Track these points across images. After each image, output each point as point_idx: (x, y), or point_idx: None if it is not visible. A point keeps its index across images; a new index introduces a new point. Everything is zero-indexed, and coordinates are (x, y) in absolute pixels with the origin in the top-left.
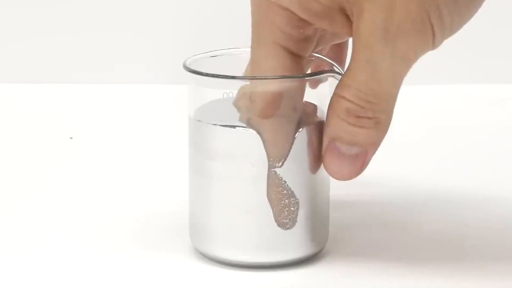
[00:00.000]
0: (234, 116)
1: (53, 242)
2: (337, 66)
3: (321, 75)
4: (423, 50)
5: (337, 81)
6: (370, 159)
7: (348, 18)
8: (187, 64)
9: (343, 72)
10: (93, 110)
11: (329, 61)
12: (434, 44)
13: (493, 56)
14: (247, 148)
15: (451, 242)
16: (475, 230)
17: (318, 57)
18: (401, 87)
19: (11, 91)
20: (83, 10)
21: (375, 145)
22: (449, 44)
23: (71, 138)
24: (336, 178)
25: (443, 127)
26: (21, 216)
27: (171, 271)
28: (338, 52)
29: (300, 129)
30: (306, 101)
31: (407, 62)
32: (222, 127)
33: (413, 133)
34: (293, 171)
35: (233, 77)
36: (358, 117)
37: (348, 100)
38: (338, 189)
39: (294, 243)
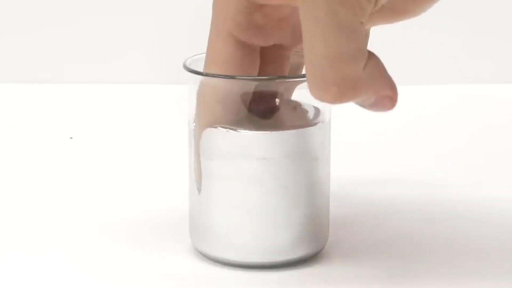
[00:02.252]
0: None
1: (53, 242)
2: None
3: None
4: None
5: None
6: (391, 94)
7: None
8: (187, 64)
9: None
10: (93, 110)
11: None
12: None
13: (493, 56)
14: (247, 147)
15: (451, 242)
16: (476, 230)
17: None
18: (401, 87)
19: (11, 91)
20: (83, 10)
21: (372, 95)
22: (449, 44)
23: (71, 138)
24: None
25: (443, 127)
26: (21, 216)
27: (171, 270)
28: None
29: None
30: (306, 103)
31: (351, 9)
32: (223, 128)
33: (413, 133)
34: (293, 171)
35: (232, 77)
36: (322, 90)
37: (308, 78)
38: (338, 189)
39: (294, 243)
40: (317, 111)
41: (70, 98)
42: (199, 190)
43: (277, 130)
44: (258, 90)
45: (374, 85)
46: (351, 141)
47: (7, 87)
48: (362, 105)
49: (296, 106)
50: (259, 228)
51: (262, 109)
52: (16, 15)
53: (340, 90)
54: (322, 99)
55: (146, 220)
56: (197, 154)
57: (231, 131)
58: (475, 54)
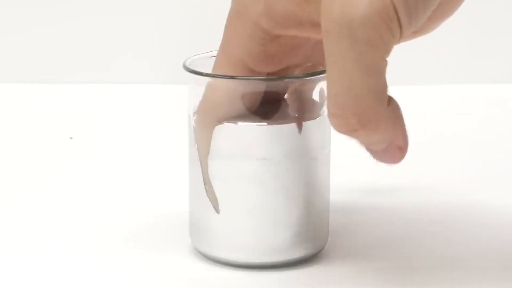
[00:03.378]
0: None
1: (53, 242)
2: None
3: (321, 75)
4: (389, 31)
5: None
6: (404, 145)
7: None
8: (187, 64)
9: None
10: (93, 110)
11: None
12: (401, 25)
13: (493, 56)
14: (247, 147)
15: (451, 243)
16: (476, 231)
17: None
18: (401, 87)
19: (11, 91)
20: (83, 10)
21: (392, 137)
22: (449, 44)
23: (71, 138)
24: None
25: (443, 127)
26: (21, 216)
27: (171, 271)
28: None
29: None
30: (307, 98)
31: (374, 44)
32: (223, 123)
33: (412, 133)
34: (293, 171)
35: (232, 77)
36: (341, 119)
37: (332, 114)
38: (338, 189)
39: (294, 243)
40: (317, 105)
41: (70, 98)
42: (217, 210)
43: (277, 124)
44: (261, 91)
45: (392, 129)
46: (350, 141)
47: (7, 87)
48: (372, 149)
49: (299, 108)
50: (259, 228)
51: (264, 110)
52: (16, 15)
53: (360, 121)
54: (341, 129)
55: (146, 220)
56: (207, 176)
57: (232, 124)
58: (475, 54)
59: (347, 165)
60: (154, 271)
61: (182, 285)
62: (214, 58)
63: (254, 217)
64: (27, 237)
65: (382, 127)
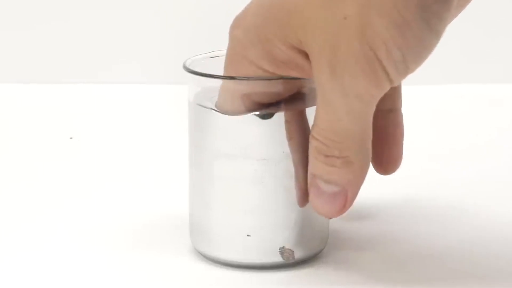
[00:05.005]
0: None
1: (53, 242)
2: None
3: None
4: (378, 87)
5: None
6: (352, 199)
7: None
8: (187, 64)
9: None
10: (93, 110)
11: None
12: (391, 80)
13: (493, 56)
14: (247, 146)
15: (451, 244)
16: (475, 232)
17: None
18: (401, 86)
19: (11, 91)
20: (83, 10)
21: (353, 185)
22: (450, 44)
23: (71, 138)
24: (320, 215)
25: (443, 127)
26: (21, 216)
27: (171, 271)
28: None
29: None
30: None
31: (363, 99)
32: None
33: (412, 133)
34: (293, 171)
35: (232, 78)
36: (326, 156)
37: (315, 138)
38: None
39: (294, 243)
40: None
41: (70, 98)
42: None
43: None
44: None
45: (359, 175)
46: None
47: (7, 87)
48: (321, 187)
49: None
50: (259, 228)
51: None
52: (17, 15)
53: (341, 154)
54: (318, 150)
55: (146, 221)
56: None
57: (232, 124)
58: (475, 54)
59: None
60: (154, 271)
61: (182, 285)
62: (214, 58)
63: (254, 217)
64: (26, 237)
65: (356, 169)
